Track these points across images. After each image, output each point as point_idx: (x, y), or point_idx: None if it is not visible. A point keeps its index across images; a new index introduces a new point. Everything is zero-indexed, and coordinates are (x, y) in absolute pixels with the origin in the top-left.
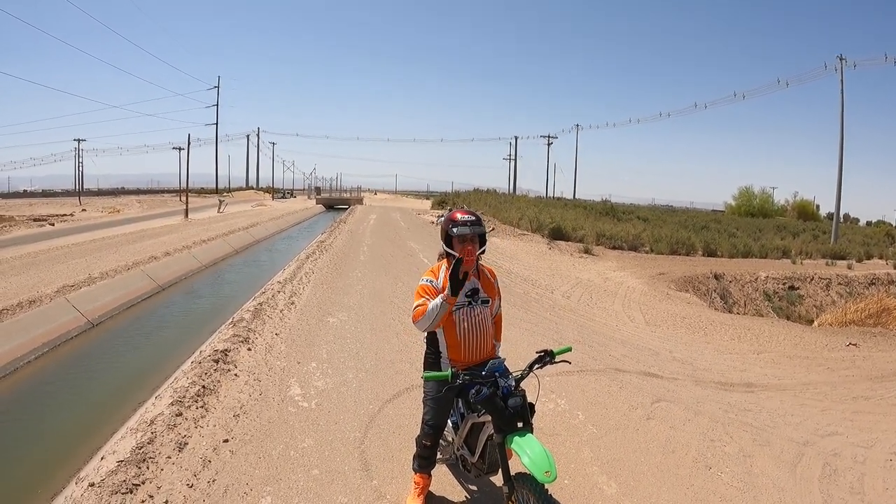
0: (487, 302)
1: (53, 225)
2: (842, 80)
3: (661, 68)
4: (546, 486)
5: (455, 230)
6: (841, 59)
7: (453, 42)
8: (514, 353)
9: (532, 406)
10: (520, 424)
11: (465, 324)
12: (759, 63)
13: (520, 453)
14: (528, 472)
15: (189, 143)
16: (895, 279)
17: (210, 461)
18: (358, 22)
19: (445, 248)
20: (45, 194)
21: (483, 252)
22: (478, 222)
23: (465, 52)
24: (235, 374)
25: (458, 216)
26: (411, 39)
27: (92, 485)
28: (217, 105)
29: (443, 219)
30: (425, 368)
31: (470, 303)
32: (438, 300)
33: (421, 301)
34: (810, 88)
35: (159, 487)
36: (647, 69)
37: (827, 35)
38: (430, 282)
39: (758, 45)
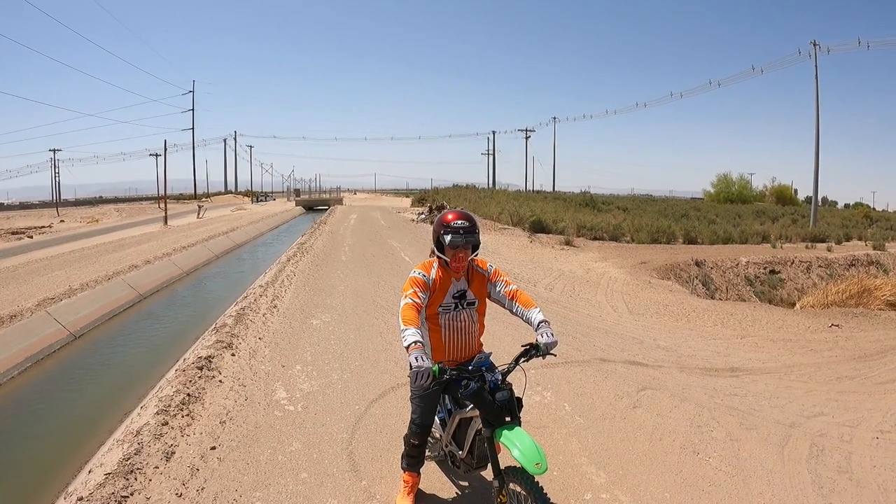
0: (474, 303)
1: (32, 237)
2: (816, 66)
3: (636, 59)
4: (537, 477)
5: (448, 238)
6: (815, 45)
7: (429, 39)
8: (499, 347)
9: (519, 400)
10: (508, 418)
11: (451, 328)
12: (733, 50)
13: (509, 446)
14: (518, 466)
15: (166, 150)
16: (875, 260)
17: (198, 469)
18: (332, 22)
19: (437, 252)
20: (23, 206)
21: (476, 255)
22: (472, 229)
23: (441, 49)
24: (220, 381)
25: (452, 220)
26: (386, 38)
27: (80, 499)
28: (193, 110)
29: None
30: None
31: (456, 306)
32: (411, 338)
33: (408, 301)
34: (785, 74)
35: (148, 498)
36: (622, 60)
37: (801, 21)
38: (423, 275)
39: (731, 32)
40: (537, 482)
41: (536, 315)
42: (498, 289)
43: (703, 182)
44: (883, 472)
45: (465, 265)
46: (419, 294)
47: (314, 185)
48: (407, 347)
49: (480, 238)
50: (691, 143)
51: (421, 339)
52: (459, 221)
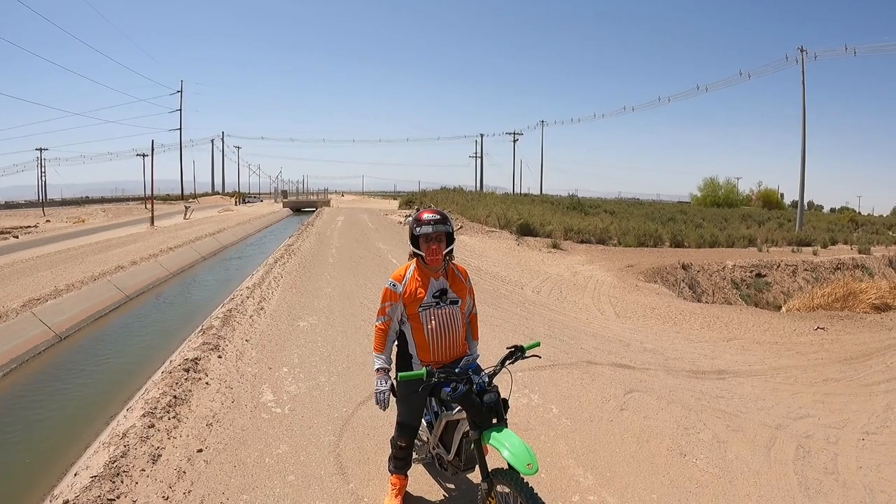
0: (457, 302)
1: (17, 237)
2: (803, 71)
3: (624, 63)
4: (527, 479)
5: (419, 229)
6: (802, 51)
7: (418, 42)
8: (486, 350)
9: (505, 401)
10: (494, 420)
11: (433, 324)
12: (721, 56)
13: (499, 448)
14: (507, 468)
15: (153, 150)
16: (860, 264)
17: (185, 472)
18: (322, 25)
19: (413, 248)
20: (8, 206)
21: (451, 250)
22: (442, 221)
23: (430, 52)
24: (207, 383)
25: (424, 216)
26: (375, 41)
27: (66, 502)
28: (180, 110)
29: (411, 218)
30: (398, 370)
31: (437, 303)
32: (375, 366)
33: (378, 324)
34: (772, 80)
35: (135, 501)
36: (610, 64)
37: (788, 27)
38: (392, 285)
39: (720, 37)
40: (527, 483)
41: (474, 349)
42: (468, 304)
43: (690, 186)
44: (869, 472)
45: (440, 258)
46: (387, 311)
47: (301, 187)
48: (375, 369)
49: (455, 234)
50: (679, 147)
51: (386, 366)
52: (430, 215)
